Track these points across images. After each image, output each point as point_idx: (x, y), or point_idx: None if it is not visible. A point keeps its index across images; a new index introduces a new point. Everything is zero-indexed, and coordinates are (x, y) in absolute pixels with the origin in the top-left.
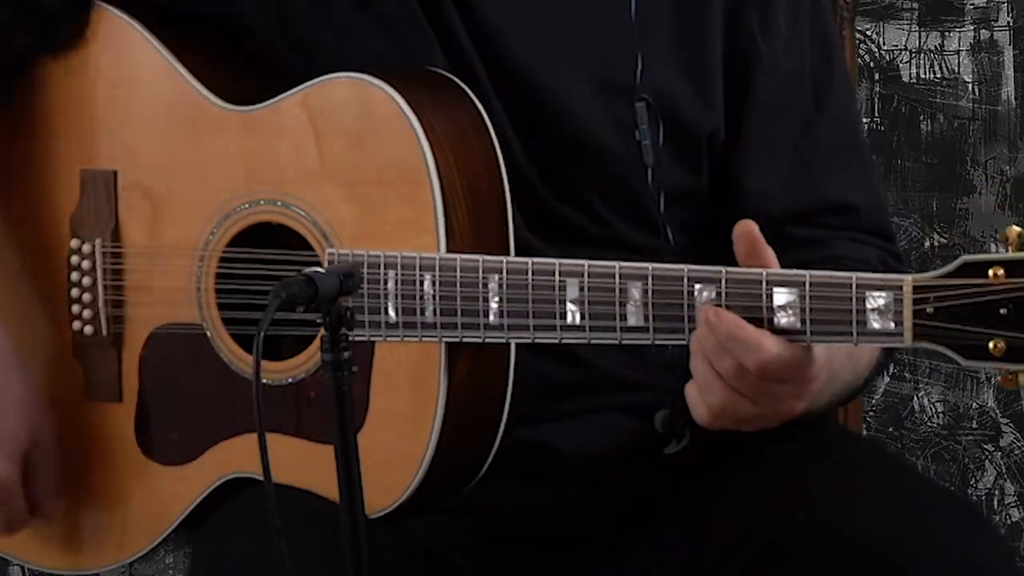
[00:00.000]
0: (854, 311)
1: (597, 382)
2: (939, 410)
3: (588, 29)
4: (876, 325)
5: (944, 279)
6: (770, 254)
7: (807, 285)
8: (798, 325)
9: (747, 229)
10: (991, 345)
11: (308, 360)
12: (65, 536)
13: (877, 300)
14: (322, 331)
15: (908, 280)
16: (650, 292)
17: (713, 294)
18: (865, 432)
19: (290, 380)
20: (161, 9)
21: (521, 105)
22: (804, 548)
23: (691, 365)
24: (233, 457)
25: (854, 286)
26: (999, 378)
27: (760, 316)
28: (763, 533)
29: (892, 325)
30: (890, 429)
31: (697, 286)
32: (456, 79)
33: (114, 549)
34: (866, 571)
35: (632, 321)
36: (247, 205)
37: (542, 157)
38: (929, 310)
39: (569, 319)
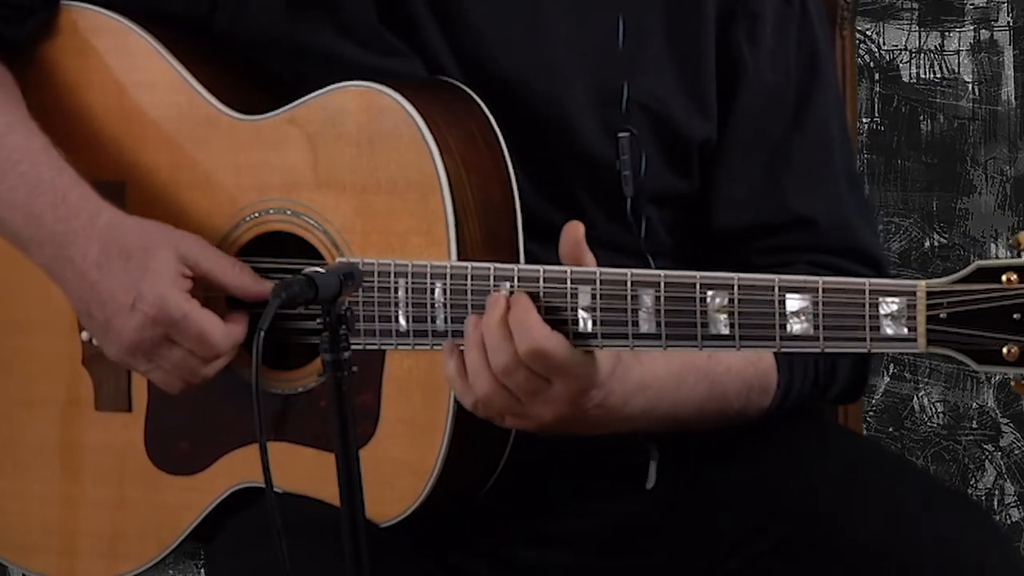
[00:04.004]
0: (867, 316)
1: None
2: (939, 410)
3: (580, 39)
4: (890, 331)
5: (958, 284)
6: (590, 258)
7: (820, 291)
8: (811, 331)
9: (572, 228)
10: (1005, 350)
11: (317, 369)
12: (74, 545)
13: (890, 306)
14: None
15: (921, 285)
16: (662, 299)
17: (726, 300)
18: (865, 432)
19: (300, 389)
20: (167, 19)
21: (509, 110)
22: (807, 547)
23: (465, 353)
24: (244, 466)
25: (867, 292)
26: (1012, 383)
27: (773, 322)
28: (766, 532)
29: (905, 331)
30: (890, 429)
31: (709, 292)
32: (465, 87)
33: (124, 559)
34: (868, 571)
35: (644, 328)
36: (257, 215)
37: (531, 160)
38: (943, 315)
39: (581, 326)
